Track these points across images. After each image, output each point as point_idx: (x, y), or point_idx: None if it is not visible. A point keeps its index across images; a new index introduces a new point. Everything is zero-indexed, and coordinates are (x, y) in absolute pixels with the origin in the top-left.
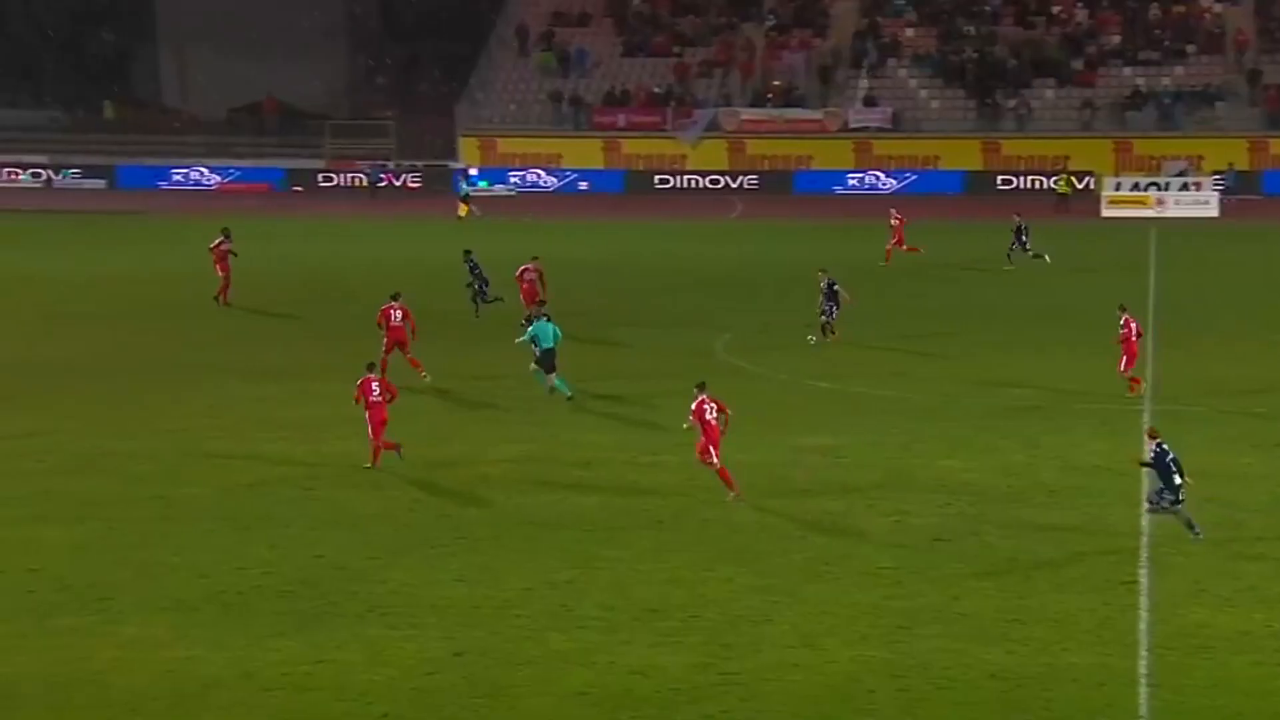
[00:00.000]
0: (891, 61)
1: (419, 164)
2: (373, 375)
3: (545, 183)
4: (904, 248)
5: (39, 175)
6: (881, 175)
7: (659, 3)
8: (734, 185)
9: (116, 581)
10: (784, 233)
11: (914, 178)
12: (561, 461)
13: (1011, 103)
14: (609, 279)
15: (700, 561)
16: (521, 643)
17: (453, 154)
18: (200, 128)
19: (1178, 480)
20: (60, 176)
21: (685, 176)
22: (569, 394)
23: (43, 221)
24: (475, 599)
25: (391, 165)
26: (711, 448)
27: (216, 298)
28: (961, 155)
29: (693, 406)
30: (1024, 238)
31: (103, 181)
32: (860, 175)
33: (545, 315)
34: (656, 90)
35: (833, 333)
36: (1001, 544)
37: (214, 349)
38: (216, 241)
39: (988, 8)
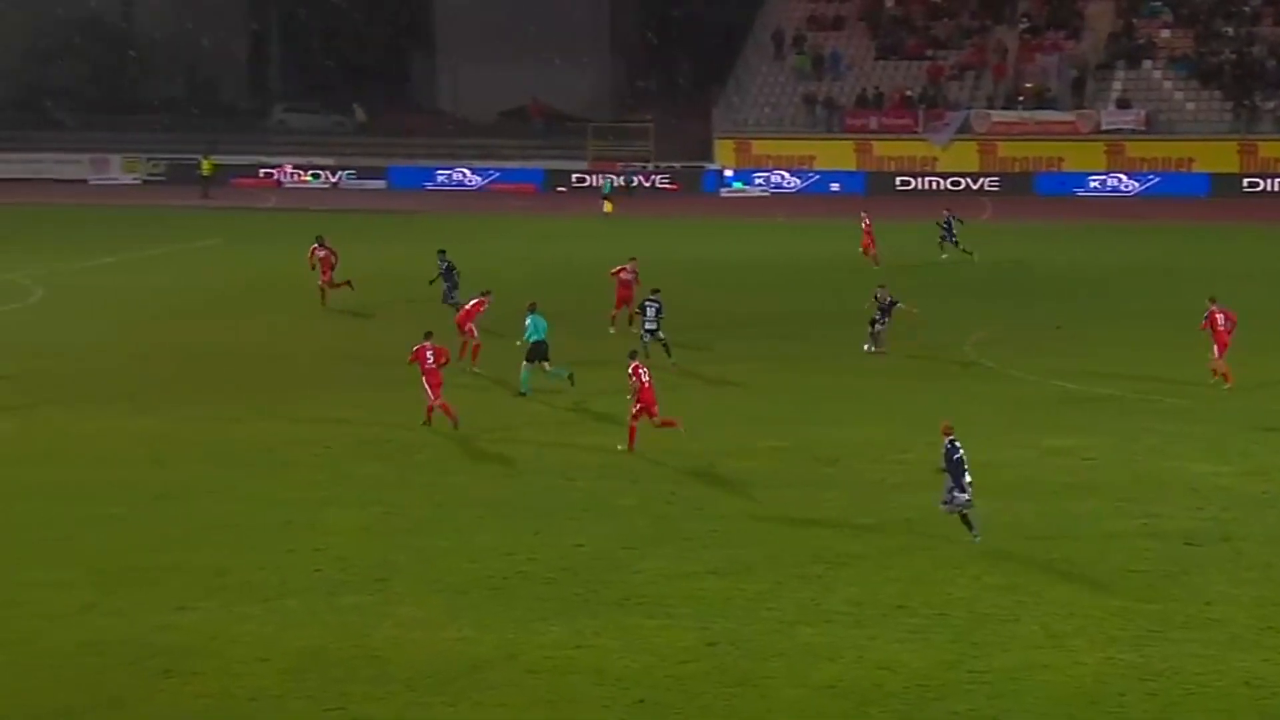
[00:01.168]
0: (1147, 63)
1: (676, 165)
2: (429, 343)
3: (789, 184)
4: (871, 250)
5: (318, 176)
6: (1124, 177)
7: (912, 6)
8: (974, 186)
9: (394, 563)
10: (1029, 235)
11: (1156, 179)
12: (811, 457)
13: (1270, 104)
14: (854, 278)
15: (947, 560)
16: (772, 635)
17: (709, 155)
18: (471, 130)
19: (968, 478)
20: (336, 177)
21: (926, 178)
22: (567, 373)
23: (330, 221)
24: (728, 590)
25: (649, 166)
26: (647, 405)
27: (353, 282)
28: (1217, 158)
29: (629, 370)
30: (953, 232)
31: (382, 182)
32: (1102, 177)
33: (533, 306)
34: (909, 93)
35: (877, 345)
36: (1256, 550)
37: None
38: (312, 248)
39: (1246, 8)
